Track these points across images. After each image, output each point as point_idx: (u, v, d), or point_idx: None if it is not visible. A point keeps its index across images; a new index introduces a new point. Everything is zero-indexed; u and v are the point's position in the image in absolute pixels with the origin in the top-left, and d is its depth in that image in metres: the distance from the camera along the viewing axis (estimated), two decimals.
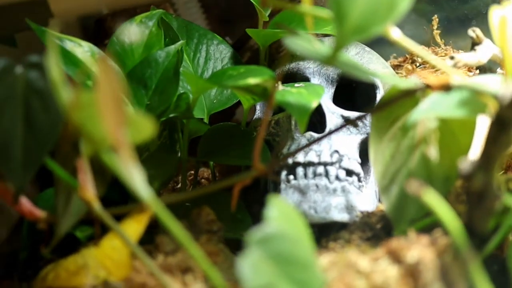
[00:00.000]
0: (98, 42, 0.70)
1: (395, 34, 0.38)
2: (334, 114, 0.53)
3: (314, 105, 0.47)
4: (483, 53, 0.49)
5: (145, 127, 0.33)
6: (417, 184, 0.32)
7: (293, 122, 0.53)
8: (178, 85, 0.52)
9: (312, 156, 0.50)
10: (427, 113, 0.39)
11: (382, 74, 0.40)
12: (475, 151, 0.41)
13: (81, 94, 0.30)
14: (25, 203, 0.41)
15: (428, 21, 0.68)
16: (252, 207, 0.54)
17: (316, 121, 0.55)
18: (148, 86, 0.53)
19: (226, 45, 0.61)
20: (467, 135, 0.42)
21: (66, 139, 0.39)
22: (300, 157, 0.51)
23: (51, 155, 0.42)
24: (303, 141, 0.52)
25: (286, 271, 0.32)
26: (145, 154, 0.55)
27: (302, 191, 0.49)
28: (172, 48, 0.53)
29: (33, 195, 0.50)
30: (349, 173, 0.51)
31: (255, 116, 0.58)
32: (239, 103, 0.57)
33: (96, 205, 0.38)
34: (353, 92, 0.59)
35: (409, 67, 0.62)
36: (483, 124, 0.40)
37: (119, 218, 0.41)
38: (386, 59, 0.66)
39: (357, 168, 0.51)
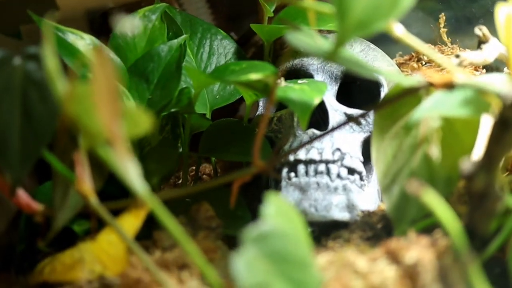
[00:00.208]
0: (104, 35, 0.70)
1: (399, 30, 0.37)
2: (337, 112, 0.53)
3: (316, 102, 0.46)
4: (489, 52, 0.48)
5: (143, 121, 0.33)
6: (417, 184, 0.32)
7: (295, 119, 0.52)
8: (180, 80, 0.51)
9: (313, 154, 0.50)
10: (430, 111, 0.38)
11: (385, 71, 0.39)
12: (479, 151, 0.41)
13: (77, 86, 0.29)
14: (23, 195, 0.40)
15: (436, 20, 0.67)
16: (253, 204, 0.53)
17: (319, 118, 0.55)
18: (150, 80, 0.53)
19: (230, 40, 0.60)
20: (470, 135, 0.42)
21: (64, 132, 0.38)
22: (302, 155, 0.50)
23: (49, 148, 0.42)
24: (305, 139, 0.51)
25: (282, 270, 0.31)
26: (147, 148, 0.55)
27: (303, 189, 0.49)
28: (175, 42, 0.53)
29: (32, 188, 0.50)
30: (351, 171, 0.50)
31: (258, 112, 0.57)
32: (242, 99, 0.57)
33: (93, 199, 0.37)
34: (357, 90, 0.58)
35: (415, 65, 0.61)
36: (487, 124, 0.40)
37: (117, 212, 0.41)
38: (392, 57, 0.66)
39: (359, 167, 0.50)
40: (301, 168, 0.50)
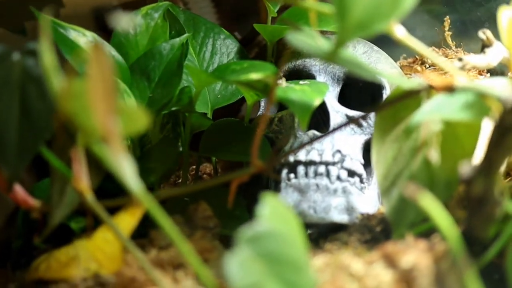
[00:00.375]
0: (110, 33, 0.70)
1: (399, 32, 0.37)
2: (338, 113, 0.52)
3: (316, 103, 0.46)
4: (493, 56, 0.47)
5: (140, 119, 0.32)
6: (414, 187, 0.31)
7: (296, 120, 0.52)
8: (181, 78, 0.51)
9: (313, 155, 0.50)
10: (431, 114, 0.38)
11: (385, 74, 0.39)
12: (480, 156, 0.40)
13: (73, 83, 0.29)
14: (20, 191, 0.40)
15: (441, 23, 0.67)
16: (253, 204, 0.53)
17: (321, 119, 0.54)
18: (151, 79, 0.53)
19: (233, 40, 0.60)
20: (471, 139, 0.41)
21: (62, 129, 0.38)
22: (302, 156, 0.50)
23: (49, 144, 0.42)
24: (306, 140, 0.51)
25: (276, 271, 0.31)
26: (147, 146, 0.55)
27: (302, 190, 0.49)
28: (177, 40, 0.53)
29: (31, 184, 0.50)
30: (351, 173, 0.50)
31: (259, 113, 0.57)
32: (245, 99, 0.57)
33: (89, 196, 0.37)
34: (359, 92, 0.58)
35: (419, 68, 0.60)
36: (488, 128, 0.39)
37: (114, 210, 0.41)
38: (396, 59, 0.65)
39: (360, 169, 0.50)
40: (301, 169, 0.50)
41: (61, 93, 0.30)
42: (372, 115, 0.51)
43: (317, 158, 0.49)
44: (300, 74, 0.55)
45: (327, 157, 0.49)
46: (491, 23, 0.62)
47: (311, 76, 0.54)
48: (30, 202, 0.41)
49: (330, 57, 0.34)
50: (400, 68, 0.63)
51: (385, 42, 0.55)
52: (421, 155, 0.42)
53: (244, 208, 0.51)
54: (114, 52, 0.52)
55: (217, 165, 0.61)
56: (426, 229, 0.41)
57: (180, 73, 0.51)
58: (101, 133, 0.30)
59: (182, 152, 0.54)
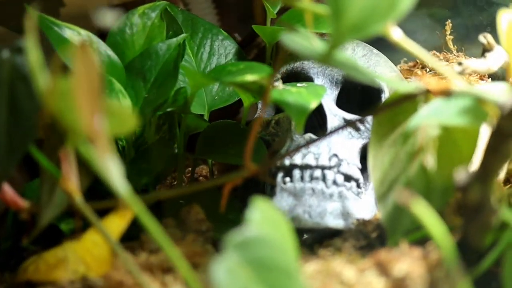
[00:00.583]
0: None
1: (396, 34, 0.36)
2: (336, 117, 0.51)
3: (313, 105, 0.45)
4: (493, 60, 0.47)
5: (129, 119, 0.32)
6: (408, 194, 0.30)
7: (293, 123, 0.51)
8: (177, 79, 0.51)
9: (310, 159, 0.49)
10: (427, 119, 0.37)
11: (382, 77, 0.38)
12: (477, 162, 0.39)
13: (58, 81, 0.29)
14: (8, 191, 0.40)
15: (443, 27, 0.66)
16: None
17: (318, 123, 0.54)
18: (147, 79, 0.52)
19: (231, 41, 0.59)
20: (469, 145, 0.40)
21: (51, 128, 0.38)
22: (298, 159, 0.49)
23: (40, 144, 0.41)
24: (302, 143, 0.50)
25: (264, 278, 0.30)
26: (142, 147, 0.54)
27: (298, 195, 0.48)
28: (174, 41, 0.52)
29: (22, 184, 0.49)
30: (348, 178, 0.49)
31: (256, 115, 0.56)
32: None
33: (78, 198, 0.37)
34: (358, 95, 0.57)
35: (419, 72, 0.60)
36: (486, 134, 0.38)
37: (106, 211, 0.40)
38: (396, 63, 0.65)
39: (356, 174, 0.49)
40: (296, 173, 0.49)
41: (47, 92, 0.30)
42: (370, 119, 0.50)
43: (313, 162, 0.49)
44: (298, 77, 0.54)
45: (324, 161, 0.49)
46: (493, 27, 0.61)
47: (309, 79, 0.54)
48: (19, 202, 0.40)
49: (325, 59, 0.34)
50: (400, 71, 0.62)
51: (385, 46, 0.54)
52: (418, 161, 0.41)
53: (239, 211, 0.50)
54: (109, 51, 0.52)
55: (214, 167, 0.60)
56: (421, 237, 0.40)
57: (176, 74, 0.51)
58: (86, 133, 0.29)
59: (177, 153, 0.54)
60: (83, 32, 0.51)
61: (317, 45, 0.37)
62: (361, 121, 0.50)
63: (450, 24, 0.64)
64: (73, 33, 0.50)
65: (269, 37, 0.57)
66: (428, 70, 0.61)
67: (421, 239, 0.39)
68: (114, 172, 0.30)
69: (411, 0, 0.33)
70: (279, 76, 0.54)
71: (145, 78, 0.52)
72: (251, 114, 0.62)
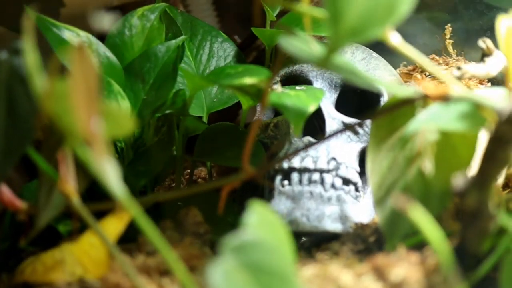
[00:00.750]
0: None
1: (394, 39, 0.36)
2: (334, 120, 0.51)
3: (311, 109, 0.45)
4: (492, 65, 0.46)
5: (126, 122, 0.32)
6: (405, 199, 0.30)
7: (292, 126, 0.51)
8: (176, 81, 0.50)
9: (308, 162, 0.49)
10: (425, 124, 0.37)
11: (380, 81, 0.38)
12: (476, 167, 0.39)
13: (56, 83, 0.29)
14: (6, 192, 0.40)
15: (443, 31, 0.66)
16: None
17: (318, 126, 0.54)
18: (146, 81, 0.52)
19: (231, 43, 0.59)
20: (468, 150, 0.40)
21: (51, 130, 0.38)
22: (296, 163, 0.49)
23: (39, 145, 0.41)
24: (301, 146, 0.50)
25: (261, 282, 0.30)
26: (141, 149, 0.54)
27: (296, 198, 0.48)
28: (173, 43, 0.52)
29: (21, 185, 0.49)
30: (346, 182, 0.49)
31: (255, 118, 0.56)
32: None
33: (75, 199, 0.37)
34: (357, 99, 0.57)
35: (418, 76, 0.60)
36: (485, 139, 0.38)
37: (104, 213, 0.40)
38: (396, 67, 0.64)
39: (355, 177, 0.49)
40: (295, 176, 0.49)
41: (44, 94, 0.30)
42: (369, 122, 0.50)
43: (311, 165, 0.49)
44: (297, 80, 0.54)
45: (322, 165, 0.49)
46: (493, 32, 0.61)
47: (308, 82, 0.54)
48: (16, 203, 0.40)
49: (323, 63, 0.34)
50: (400, 75, 0.62)
51: (385, 49, 0.54)
52: (416, 165, 0.41)
53: (237, 214, 0.50)
54: (108, 53, 0.52)
55: (212, 169, 0.60)
56: (419, 241, 0.40)
57: (175, 76, 0.51)
58: (83, 135, 0.29)
59: (176, 155, 0.53)
60: (82, 33, 0.51)
61: (316, 48, 0.37)
62: (360, 125, 0.50)
63: (450, 28, 0.64)
64: (72, 35, 0.50)
65: (269, 40, 0.57)
66: (427, 74, 0.61)
67: (419, 243, 0.39)
68: (111, 174, 0.30)
69: (410, 4, 0.33)
70: (278, 79, 0.54)
71: (144, 80, 0.52)
72: (250, 117, 0.62)
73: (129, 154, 0.53)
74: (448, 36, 0.64)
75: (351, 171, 0.49)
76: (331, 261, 0.39)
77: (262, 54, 0.64)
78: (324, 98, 0.51)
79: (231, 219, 0.49)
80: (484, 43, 0.47)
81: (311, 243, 0.47)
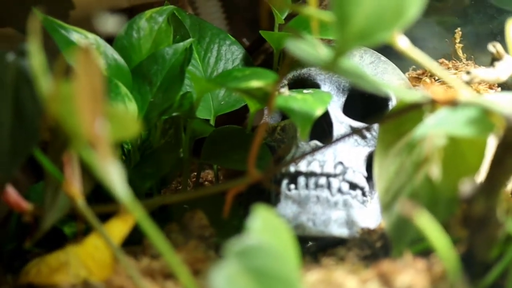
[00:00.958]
0: None
1: (402, 43, 0.35)
2: (342, 124, 0.51)
3: (318, 113, 0.45)
4: (502, 70, 0.46)
5: (131, 124, 0.32)
6: (411, 205, 0.30)
7: (299, 130, 0.51)
8: (183, 84, 0.50)
9: (315, 166, 0.49)
10: (433, 129, 0.37)
11: (388, 85, 0.38)
12: (484, 174, 0.39)
13: (61, 85, 0.29)
14: (12, 193, 0.40)
15: (453, 35, 0.65)
16: None
17: (326, 130, 0.53)
18: (153, 83, 0.52)
19: (239, 46, 0.59)
20: (476, 156, 0.40)
21: (57, 132, 0.38)
22: (303, 167, 0.49)
23: (46, 147, 0.41)
24: (308, 150, 0.50)
25: (264, 287, 0.30)
26: (148, 152, 0.54)
27: (302, 202, 0.48)
28: (181, 45, 0.52)
29: (28, 186, 0.49)
30: (353, 186, 0.49)
31: (262, 121, 0.56)
32: None
33: (80, 201, 0.36)
34: (365, 103, 0.57)
35: (427, 80, 0.59)
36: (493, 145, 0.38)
37: (109, 215, 0.40)
38: (405, 71, 0.64)
39: (362, 182, 0.49)
40: (301, 180, 0.49)
41: (49, 95, 0.30)
42: (377, 126, 0.50)
43: (318, 170, 0.48)
44: (304, 83, 0.54)
45: (329, 169, 0.48)
46: (503, 36, 0.61)
47: (315, 85, 0.53)
48: (22, 204, 0.40)
49: (330, 67, 0.33)
50: (409, 79, 0.61)
51: (394, 53, 0.54)
52: (423, 171, 0.41)
53: (243, 218, 0.50)
54: (116, 55, 0.52)
55: (219, 172, 0.60)
56: (426, 248, 0.39)
57: (182, 78, 0.50)
58: (87, 137, 0.29)
59: (182, 158, 0.53)
60: (91, 35, 0.51)
61: (323, 52, 0.36)
62: (368, 129, 0.50)
63: (460, 32, 0.64)
64: (80, 37, 0.50)
65: (277, 43, 0.57)
66: (436, 78, 0.61)
67: (426, 250, 0.39)
68: (115, 177, 0.30)
69: (418, 8, 0.33)
70: (285, 82, 0.54)
71: (151, 82, 0.52)
72: (257, 120, 0.62)
73: (136, 156, 0.53)
74: (458, 40, 0.64)
75: (358, 175, 0.49)
76: (337, 267, 0.39)
77: (270, 57, 0.64)
78: (331, 101, 0.51)
79: (237, 223, 0.49)
80: (494, 47, 0.46)
81: (317, 248, 0.47)
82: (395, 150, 0.42)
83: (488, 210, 0.32)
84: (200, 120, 0.54)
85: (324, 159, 0.49)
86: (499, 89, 0.58)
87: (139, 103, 0.51)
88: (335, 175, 0.48)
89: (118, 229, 0.38)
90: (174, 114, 0.51)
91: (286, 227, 0.33)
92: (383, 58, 0.56)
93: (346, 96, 0.54)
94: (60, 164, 0.38)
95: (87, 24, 0.66)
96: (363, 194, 0.49)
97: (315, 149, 0.47)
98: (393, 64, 0.56)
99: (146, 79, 0.52)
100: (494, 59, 0.47)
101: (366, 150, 0.51)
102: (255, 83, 0.44)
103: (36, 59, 0.30)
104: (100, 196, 0.43)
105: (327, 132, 0.52)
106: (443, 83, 0.58)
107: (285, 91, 0.47)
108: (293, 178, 0.49)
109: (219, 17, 0.79)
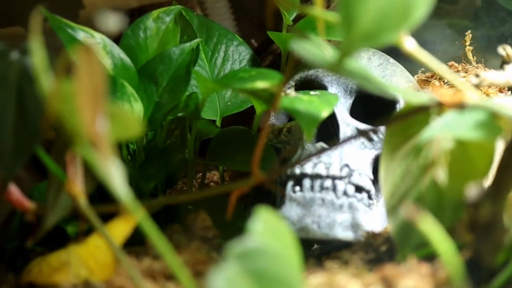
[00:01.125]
0: None
1: (409, 44, 0.35)
2: (348, 126, 0.51)
3: (324, 114, 0.44)
4: None
5: (133, 124, 0.31)
6: (414, 208, 0.29)
7: (304, 131, 0.51)
8: (189, 84, 0.50)
9: (320, 168, 0.48)
10: (440, 132, 0.36)
11: (395, 87, 0.37)
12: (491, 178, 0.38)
13: (62, 84, 0.28)
14: (14, 192, 0.39)
15: (464, 38, 0.65)
16: None
17: (332, 132, 0.53)
18: (159, 83, 0.52)
19: (246, 47, 0.59)
20: (484, 160, 0.39)
21: (62, 131, 0.37)
22: (308, 169, 0.48)
23: (50, 146, 0.41)
24: (314, 152, 0.49)
25: None
26: (153, 152, 0.54)
27: (307, 204, 0.47)
28: (187, 45, 0.52)
29: (32, 185, 0.49)
30: (359, 189, 0.48)
31: (268, 122, 0.56)
32: None
33: (82, 201, 0.36)
34: (373, 105, 0.56)
35: (436, 83, 0.58)
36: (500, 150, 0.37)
37: (113, 215, 0.39)
38: (414, 73, 0.63)
39: (368, 185, 0.48)
40: (306, 182, 0.48)
41: (50, 94, 0.29)
42: (383, 129, 0.49)
43: (323, 172, 0.48)
44: (312, 85, 0.53)
45: (334, 171, 0.48)
46: None
47: (322, 87, 0.53)
48: (24, 203, 0.40)
49: (335, 68, 0.33)
50: (417, 82, 0.61)
51: (403, 55, 0.53)
52: (430, 174, 0.40)
53: (247, 220, 0.50)
54: (122, 54, 0.51)
55: (225, 174, 0.60)
56: (432, 252, 0.39)
57: (188, 79, 0.50)
58: (88, 136, 0.29)
59: (188, 158, 0.53)
60: (97, 34, 0.51)
61: (328, 53, 0.36)
62: (375, 132, 0.50)
63: (470, 35, 0.63)
64: (86, 35, 0.50)
65: (284, 44, 0.57)
66: (445, 81, 0.60)
67: (431, 255, 0.38)
68: (116, 176, 0.30)
69: (425, 9, 0.32)
70: (292, 83, 0.54)
71: (157, 82, 0.51)
72: (265, 122, 0.61)
73: (141, 156, 0.52)
74: (468, 43, 0.63)
75: (364, 178, 0.48)
76: (340, 270, 0.38)
77: (278, 58, 0.64)
78: (338, 103, 0.51)
79: (241, 225, 0.48)
80: (504, 50, 0.46)
81: (321, 251, 0.46)
82: (401, 153, 0.42)
83: (495, 215, 0.31)
84: (205, 121, 0.54)
85: (330, 161, 0.48)
86: (510, 92, 0.58)
87: (145, 103, 0.51)
88: (341, 178, 0.48)
89: (120, 229, 0.38)
90: (180, 114, 0.50)
91: (288, 229, 0.32)
92: (391, 60, 0.56)
93: (353, 98, 0.53)
94: (63, 163, 0.38)
95: (96, 24, 0.66)
96: (369, 197, 0.49)
97: (321, 151, 0.46)
98: (402, 67, 0.56)
99: (152, 79, 0.51)
100: (504, 62, 0.47)
101: (372, 153, 0.50)
102: (261, 84, 0.44)
103: (37, 56, 0.29)
104: (105, 195, 0.42)
105: (334, 134, 0.52)
106: (452, 86, 0.58)
107: (291, 92, 0.47)
108: (299, 180, 0.49)
109: (228, 18, 0.78)
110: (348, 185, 0.48)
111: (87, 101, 0.27)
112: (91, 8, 0.77)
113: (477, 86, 0.44)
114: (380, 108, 0.55)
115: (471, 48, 0.63)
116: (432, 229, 0.30)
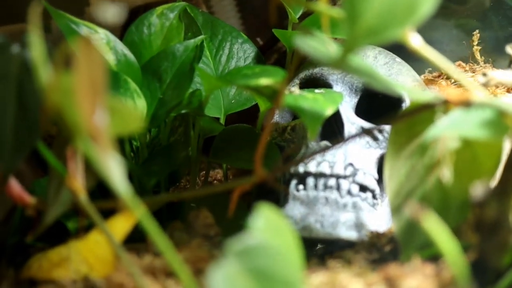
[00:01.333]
0: None
1: (415, 41, 0.34)
2: (353, 125, 0.50)
3: (328, 112, 0.44)
4: None
5: (133, 118, 0.31)
6: (419, 208, 0.29)
7: (308, 129, 0.50)
8: (192, 81, 0.50)
9: (324, 167, 0.48)
10: (446, 131, 0.35)
11: (400, 85, 0.37)
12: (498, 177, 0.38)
13: (61, 77, 0.28)
14: (15, 186, 0.39)
15: (471, 38, 0.64)
16: None
17: (337, 131, 0.52)
18: (163, 80, 0.51)
19: (251, 45, 0.59)
20: (491, 159, 0.38)
21: (64, 125, 0.37)
22: (312, 167, 0.48)
23: (52, 141, 0.41)
24: (318, 150, 0.49)
25: (264, 287, 0.29)
26: (156, 149, 0.53)
27: (311, 203, 0.47)
28: (191, 42, 0.51)
29: (32, 181, 0.49)
30: (363, 188, 0.47)
31: (272, 120, 0.55)
32: None
33: (82, 196, 0.36)
34: (379, 104, 0.55)
35: (443, 83, 0.58)
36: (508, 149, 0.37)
37: (114, 211, 0.39)
38: (421, 73, 0.63)
39: (372, 184, 0.48)
40: (310, 181, 0.48)
41: (48, 87, 0.29)
42: (389, 129, 0.49)
43: (327, 171, 0.47)
44: (317, 83, 0.53)
45: (339, 170, 0.47)
46: None
47: (328, 85, 0.52)
48: (25, 198, 0.39)
49: (338, 64, 0.32)
50: (424, 82, 0.60)
51: (410, 55, 0.53)
52: (435, 174, 0.40)
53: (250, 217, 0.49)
54: (126, 50, 0.51)
55: (229, 171, 0.59)
56: (436, 252, 0.38)
57: (192, 76, 0.50)
58: (87, 130, 0.29)
59: (191, 156, 0.53)
60: (101, 30, 0.51)
61: (332, 49, 0.36)
62: (380, 131, 0.49)
63: (478, 35, 0.62)
64: (90, 31, 0.50)
65: (289, 42, 0.56)
66: (453, 81, 0.59)
67: (436, 255, 0.38)
68: (115, 171, 0.30)
69: (431, 5, 0.32)
70: (297, 81, 0.53)
71: (160, 79, 0.51)
72: (270, 120, 0.61)
73: (144, 153, 0.52)
74: (475, 43, 0.62)
75: (369, 177, 0.48)
76: (342, 270, 0.38)
77: (283, 56, 0.64)
78: (343, 102, 0.50)
79: (243, 222, 0.48)
80: (511, 49, 0.45)
81: (325, 250, 0.46)
82: (406, 152, 0.41)
83: (501, 215, 0.31)
84: (209, 118, 0.53)
85: (334, 160, 0.48)
86: None
87: (148, 100, 0.51)
88: (345, 177, 0.47)
89: (120, 225, 0.38)
90: (183, 111, 0.50)
91: (290, 227, 0.32)
92: (398, 59, 0.55)
93: (358, 97, 0.52)
94: (65, 158, 0.38)
95: (101, 21, 0.66)
96: (374, 196, 0.48)
97: (325, 150, 0.46)
98: (408, 66, 0.55)
99: (156, 75, 0.51)
100: None
101: (377, 152, 0.49)
102: (264, 81, 0.43)
103: (36, 49, 0.29)
104: (106, 191, 0.42)
105: (338, 133, 0.51)
106: (459, 86, 0.57)
107: (295, 90, 0.46)
108: (302, 178, 0.48)
109: (233, 16, 0.78)
110: (352, 184, 0.47)
111: (86, 94, 0.27)
112: (96, 5, 0.77)
113: (485, 86, 0.44)
114: (386, 107, 0.54)
115: (478, 48, 0.63)
116: (437, 229, 0.29)
